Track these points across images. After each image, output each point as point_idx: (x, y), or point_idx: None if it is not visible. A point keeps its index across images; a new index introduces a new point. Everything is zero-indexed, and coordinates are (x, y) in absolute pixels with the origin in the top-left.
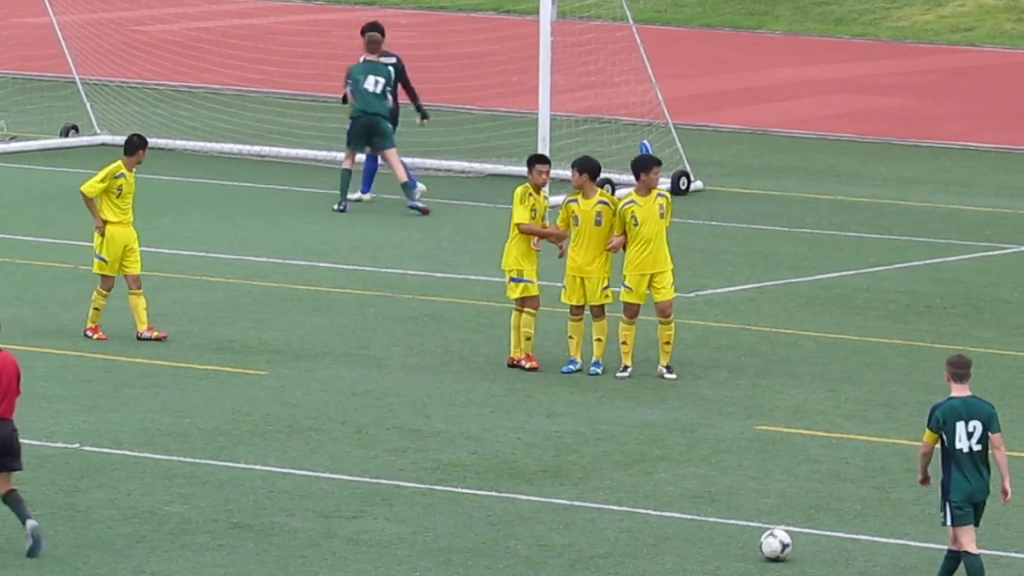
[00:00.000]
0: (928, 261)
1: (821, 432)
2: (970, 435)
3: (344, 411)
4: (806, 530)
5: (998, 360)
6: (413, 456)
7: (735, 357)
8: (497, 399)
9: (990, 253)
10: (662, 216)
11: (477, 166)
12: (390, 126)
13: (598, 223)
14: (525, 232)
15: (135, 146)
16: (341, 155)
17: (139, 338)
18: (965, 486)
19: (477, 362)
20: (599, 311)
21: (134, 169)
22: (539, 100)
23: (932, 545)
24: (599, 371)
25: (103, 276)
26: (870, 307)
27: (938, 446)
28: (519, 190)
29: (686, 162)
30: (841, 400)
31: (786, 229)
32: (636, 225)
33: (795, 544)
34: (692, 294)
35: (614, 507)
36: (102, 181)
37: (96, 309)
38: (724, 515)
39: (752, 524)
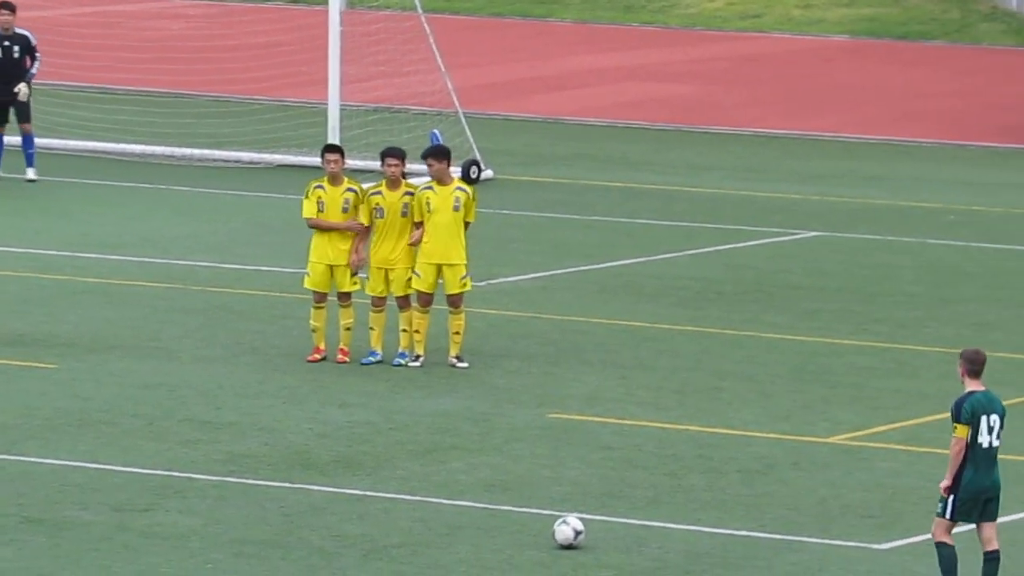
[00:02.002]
0: (719, 247)
1: (614, 419)
2: (991, 430)
3: (136, 404)
4: (599, 517)
5: (789, 345)
6: (205, 448)
7: (527, 345)
8: (289, 390)
9: (781, 239)
10: (456, 209)
11: (267, 157)
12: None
13: (404, 214)
14: (313, 227)
15: None
16: (129, 147)
17: None
18: (977, 483)
19: (269, 353)
20: (405, 302)
21: None
22: (329, 90)
23: (724, 531)
24: (404, 362)
25: None
26: (662, 294)
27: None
28: (309, 184)
29: (477, 151)
30: (633, 387)
31: (577, 217)
32: (429, 212)
33: (588, 531)
34: (484, 283)
35: (407, 497)
36: None
37: None
38: (517, 503)
39: (545, 512)
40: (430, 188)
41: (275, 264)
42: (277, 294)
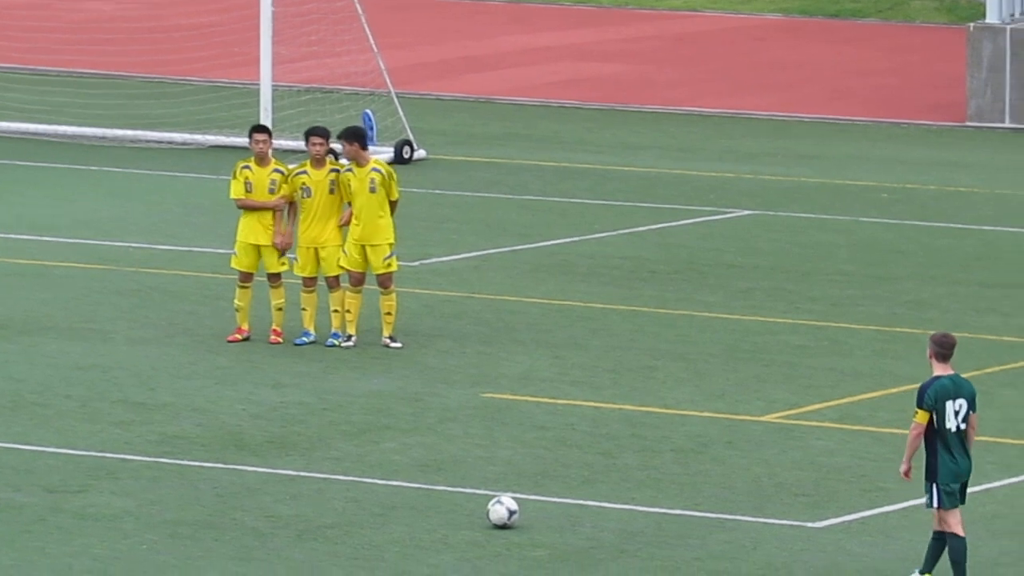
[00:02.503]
0: (653, 227)
1: (547, 399)
2: (956, 414)
3: (69, 385)
4: (533, 497)
5: (723, 324)
6: (139, 429)
7: (461, 325)
8: (223, 371)
9: (714, 218)
10: (373, 191)
11: (199, 138)
12: None
13: (332, 192)
14: (241, 207)
15: None
16: (62, 128)
17: None
18: (952, 466)
19: (202, 334)
20: (334, 282)
21: None
22: (261, 71)
23: (658, 510)
24: (337, 342)
25: None
26: (595, 273)
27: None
28: (236, 165)
29: (409, 131)
30: (567, 367)
31: (511, 197)
32: (352, 194)
33: (522, 511)
34: (417, 263)
35: (341, 477)
36: None
37: None
38: (451, 483)
39: (479, 492)
40: (350, 170)
41: (208, 245)
42: (210, 275)
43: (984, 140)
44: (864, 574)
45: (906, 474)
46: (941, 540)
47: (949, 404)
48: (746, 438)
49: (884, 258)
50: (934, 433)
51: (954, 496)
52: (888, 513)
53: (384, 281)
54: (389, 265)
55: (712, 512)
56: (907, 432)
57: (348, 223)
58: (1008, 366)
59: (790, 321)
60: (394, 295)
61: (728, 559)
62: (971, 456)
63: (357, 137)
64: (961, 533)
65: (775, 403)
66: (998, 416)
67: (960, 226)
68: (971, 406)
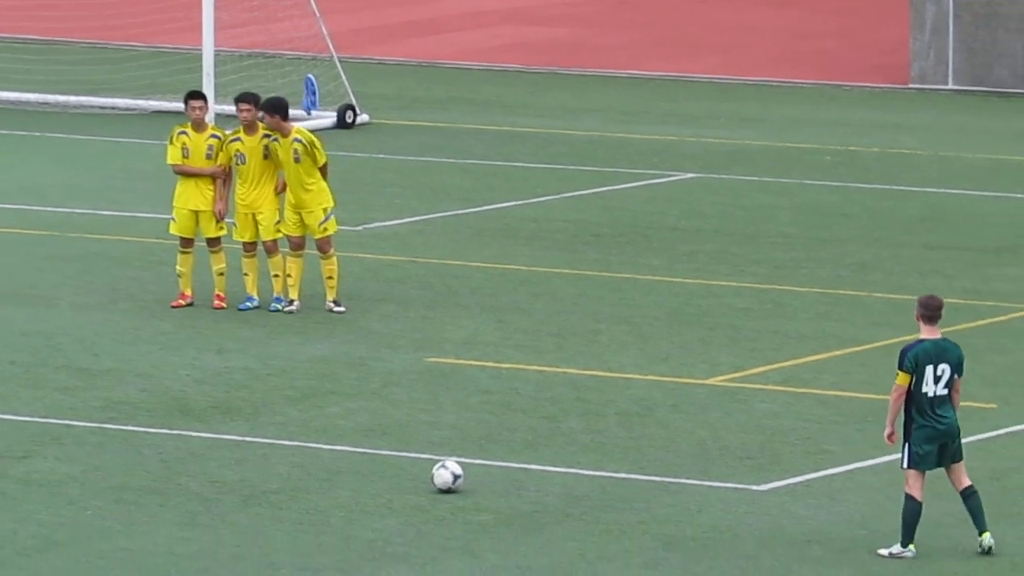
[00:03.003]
0: (596, 190)
1: (491, 363)
2: (938, 379)
3: (13, 351)
4: (478, 461)
5: (667, 287)
6: (83, 395)
7: (404, 290)
8: (167, 336)
9: (658, 181)
10: (297, 161)
11: (142, 103)
12: None
13: (266, 157)
14: (178, 173)
15: None
16: (4, 94)
17: None
18: (927, 430)
19: (146, 300)
20: (273, 247)
21: None
22: (203, 36)
23: (603, 473)
24: (280, 307)
25: None
26: (538, 237)
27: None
28: (173, 130)
29: (352, 95)
30: (511, 331)
31: (454, 161)
32: (279, 164)
33: (467, 475)
34: (360, 227)
35: (286, 442)
36: None
37: None
38: (396, 448)
39: (424, 456)
40: (275, 140)
41: (151, 211)
42: (154, 240)
43: (927, 102)
44: (809, 536)
45: (889, 437)
46: (973, 495)
47: (929, 369)
48: (690, 401)
49: (827, 220)
50: (910, 396)
51: (925, 459)
52: (833, 476)
53: (322, 245)
54: (326, 229)
55: (657, 475)
56: (852, 395)
57: (284, 189)
58: (952, 328)
59: (734, 284)
60: (334, 259)
61: (673, 522)
62: (955, 419)
63: (277, 109)
64: (918, 497)
65: (719, 366)
66: None
67: (903, 188)
68: (956, 370)
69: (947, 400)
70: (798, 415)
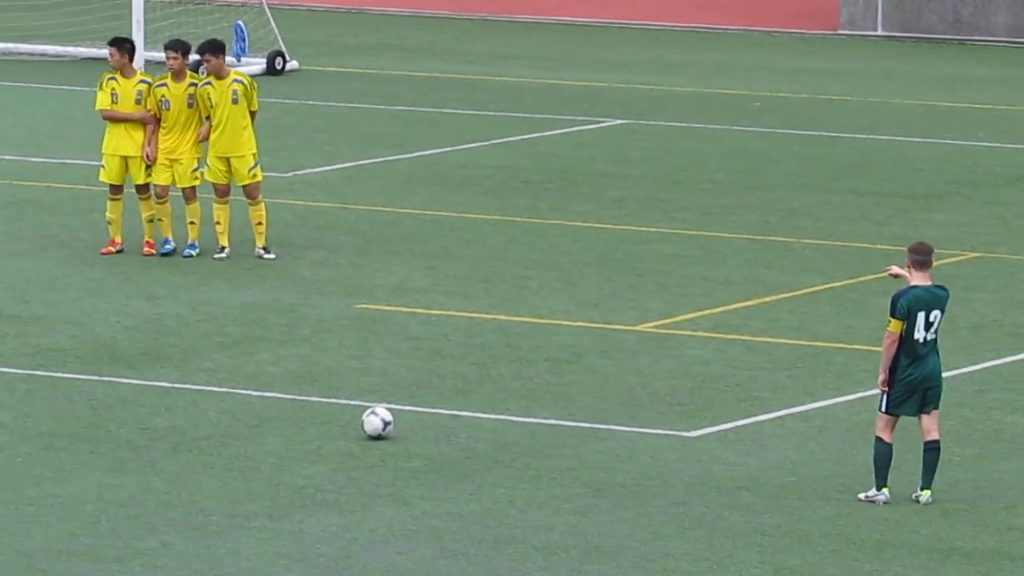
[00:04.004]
0: (524, 136)
1: (421, 309)
2: (929, 325)
3: None
4: (408, 407)
5: (596, 233)
6: (12, 342)
7: (334, 236)
8: (96, 283)
9: (586, 127)
10: (235, 102)
11: (71, 50)
12: None
13: (191, 106)
14: (107, 119)
15: None
16: None
17: None
18: (911, 375)
19: (76, 246)
20: (191, 193)
21: None
22: None
23: (533, 420)
24: (194, 253)
25: None
26: (467, 184)
27: None
28: (102, 76)
29: (281, 42)
30: (441, 277)
31: (383, 107)
32: (212, 107)
33: (397, 422)
34: (290, 174)
35: (215, 388)
36: None
37: None
38: (326, 394)
39: (354, 403)
40: (209, 83)
41: (81, 157)
42: (83, 187)
43: (856, 48)
44: (739, 483)
45: (883, 384)
46: (934, 450)
47: (921, 315)
48: (620, 348)
49: (756, 166)
50: (901, 342)
51: (905, 405)
52: (763, 422)
53: (251, 191)
54: (255, 175)
55: (586, 422)
56: (782, 341)
57: (207, 138)
58: (882, 275)
59: (663, 230)
60: (263, 205)
61: (603, 469)
62: (939, 365)
63: (220, 49)
64: (887, 440)
65: (648, 312)
66: (872, 324)
67: (832, 134)
68: (942, 315)
69: (935, 345)
70: (728, 361)
